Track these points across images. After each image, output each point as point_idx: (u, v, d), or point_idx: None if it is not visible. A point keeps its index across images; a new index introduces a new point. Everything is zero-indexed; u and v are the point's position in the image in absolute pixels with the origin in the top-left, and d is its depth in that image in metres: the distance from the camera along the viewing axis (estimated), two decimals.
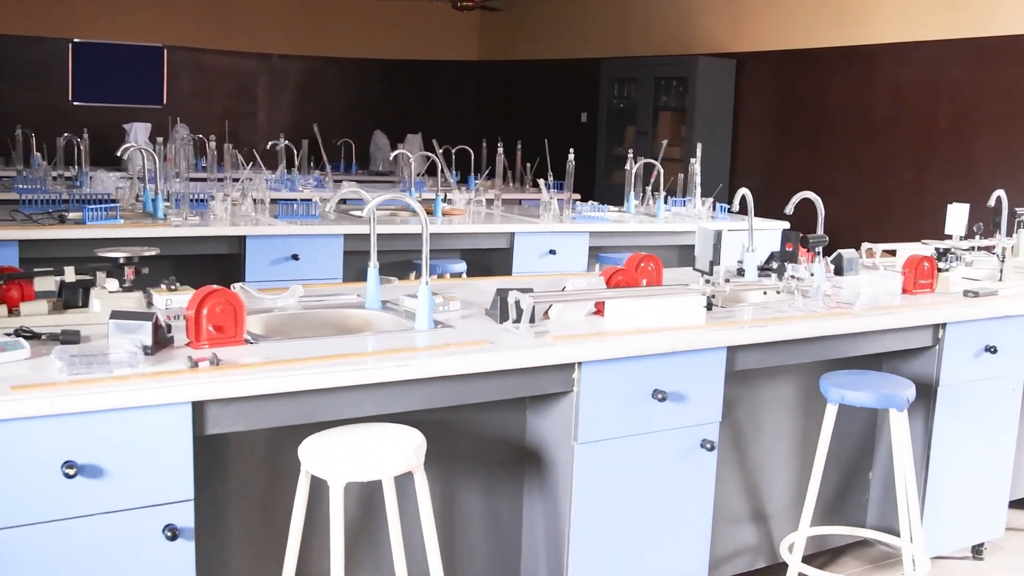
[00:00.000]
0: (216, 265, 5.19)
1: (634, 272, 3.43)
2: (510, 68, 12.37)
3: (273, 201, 5.68)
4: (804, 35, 8.78)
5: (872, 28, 8.19)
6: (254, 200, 5.50)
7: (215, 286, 2.53)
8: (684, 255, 6.72)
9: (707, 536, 3.13)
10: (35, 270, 2.66)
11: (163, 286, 2.80)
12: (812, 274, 3.65)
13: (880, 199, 8.25)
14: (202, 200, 5.30)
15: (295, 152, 7.70)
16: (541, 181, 6.27)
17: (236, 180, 5.63)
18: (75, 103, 10.31)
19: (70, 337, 2.46)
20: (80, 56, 10.30)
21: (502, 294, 2.97)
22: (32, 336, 2.47)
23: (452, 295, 3.20)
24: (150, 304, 2.78)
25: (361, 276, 5.95)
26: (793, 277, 3.55)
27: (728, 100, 9.44)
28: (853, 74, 8.39)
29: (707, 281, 3.29)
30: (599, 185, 10.17)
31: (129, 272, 2.73)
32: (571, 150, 6.47)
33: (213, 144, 5.96)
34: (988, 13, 7.34)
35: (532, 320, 2.88)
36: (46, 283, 2.65)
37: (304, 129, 8.55)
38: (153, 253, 2.78)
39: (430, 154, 6.71)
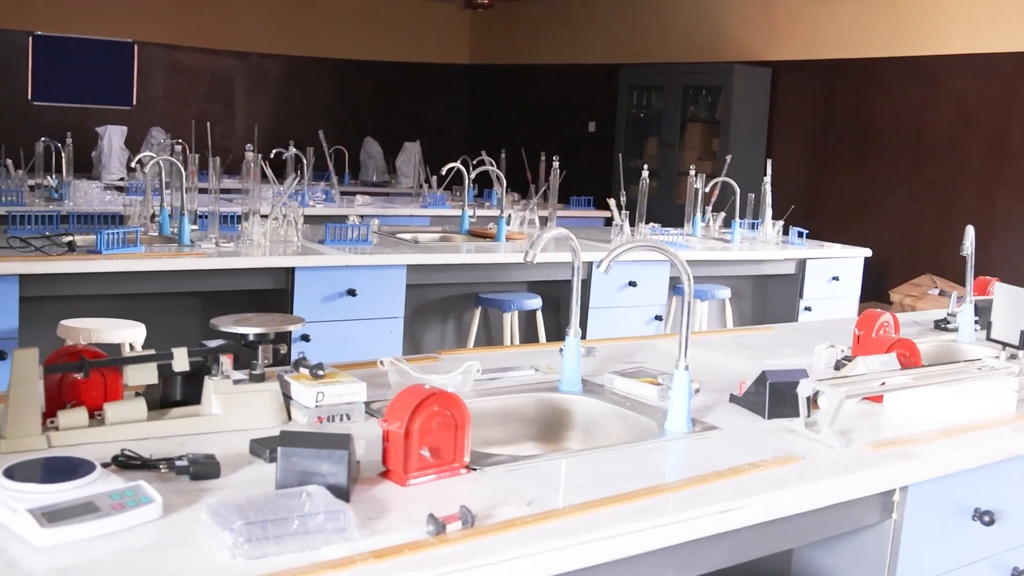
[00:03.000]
0: (254, 302, 4.25)
1: (876, 337, 2.61)
2: (506, 72, 11.50)
3: (316, 221, 4.75)
4: (851, 44, 8.08)
5: (934, 38, 7.52)
6: (284, 217, 4.54)
7: (424, 386, 1.64)
8: (763, 287, 5.93)
9: None
10: (128, 354, 1.73)
11: (302, 370, 1.89)
12: None
13: (939, 225, 7.56)
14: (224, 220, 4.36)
15: (304, 162, 6.75)
16: (612, 201, 5.42)
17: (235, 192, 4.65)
18: (35, 103, 9.19)
19: (205, 470, 1.55)
20: (41, 51, 9.17)
21: (772, 378, 2.12)
22: (139, 464, 1.56)
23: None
24: (288, 397, 1.87)
25: (425, 315, 5.13)
26: None
27: (762, 112, 8.71)
28: (910, 87, 7.71)
29: (1012, 357, 2.46)
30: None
31: (263, 354, 1.82)
32: (645, 167, 5.64)
33: (209, 154, 5.00)
34: None
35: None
36: (143, 373, 1.73)
37: (286, 135, 7.57)
38: (298, 326, 1.87)
39: (456, 165, 5.81)
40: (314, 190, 6.97)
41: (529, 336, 4.92)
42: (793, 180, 8.64)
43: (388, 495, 1.55)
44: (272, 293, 4.10)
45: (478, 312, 4.74)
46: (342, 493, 1.47)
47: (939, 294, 7.35)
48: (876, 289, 7.33)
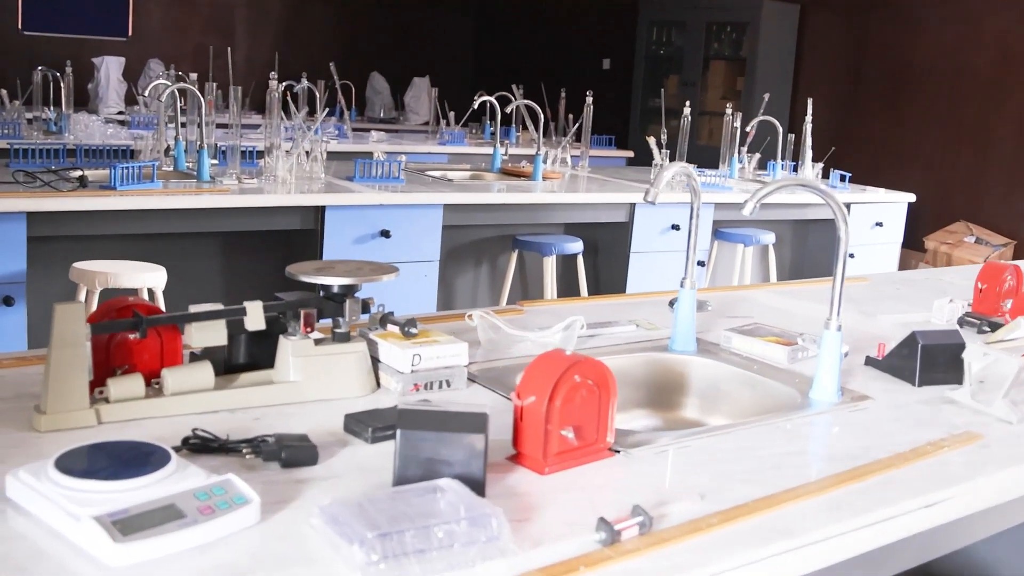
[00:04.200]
0: (278, 245, 3.92)
1: (1000, 292, 2.32)
2: (516, 6, 11.04)
3: (330, 157, 4.39)
4: None
5: None
6: (306, 153, 4.18)
7: (564, 351, 1.33)
8: (803, 233, 5.62)
9: None
10: (191, 310, 1.41)
11: (391, 328, 1.58)
12: None
13: (975, 171, 7.24)
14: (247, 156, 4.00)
15: (317, 96, 6.36)
16: (651, 139, 5.08)
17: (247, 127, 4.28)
18: (25, 32, 8.71)
19: (299, 455, 1.24)
20: None
21: (924, 340, 1.82)
22: (216, 447, 1.25)
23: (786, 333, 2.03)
24: (376, 360, 1.56)
25: (458, 259, 4.79)
26: None
27: (789, 51, 8.32)
28: (948, 27, 7.33)
29: None
30: (633, 140, 9.00)
31: (350, 310, 1.50)
32: (687, 105, 5.30)
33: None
34: None
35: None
36: (209, 333, 1.41)
37: (288, 70, 7.13)
38: (392, 276, 1.55)
39: (489, 98, 5.43)
40: (325, 126, 6.59)
41: (568, 282, 4.62)
42: (821, 122, 8.25)
43: (526, 487, 1.25)
44: (298, 235, 3.77)
45: (515, 255, 4.43)
46: (478, 487, 1.17)
47: (975, 241, 7.07)
48: (909, 236, 7.02)
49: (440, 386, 1.56)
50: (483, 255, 4.56)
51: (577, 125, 5.40)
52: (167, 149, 3.98)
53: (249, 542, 1.04)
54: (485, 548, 1.03)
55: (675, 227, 4.70)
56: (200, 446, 1.24)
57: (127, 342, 1.38)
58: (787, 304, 2.45)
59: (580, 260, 4.48)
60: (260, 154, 4.13)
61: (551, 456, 1.29)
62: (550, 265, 4.35)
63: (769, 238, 5.10)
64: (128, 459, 1.11)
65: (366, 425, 1.34)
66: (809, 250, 5.69)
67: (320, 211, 3.68)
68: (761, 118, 5.56)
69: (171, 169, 3.92)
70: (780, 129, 5.50)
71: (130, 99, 7.46)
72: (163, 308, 3.24)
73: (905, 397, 1.76)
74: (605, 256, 4.71)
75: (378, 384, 1.55)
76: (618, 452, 1.37)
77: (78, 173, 3.43)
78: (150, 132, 5.51)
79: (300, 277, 1.49)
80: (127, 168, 3.35)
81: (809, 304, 2.45)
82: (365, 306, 1.52)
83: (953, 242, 7.03)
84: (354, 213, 3.75)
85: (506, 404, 1.54)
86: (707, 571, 1.07)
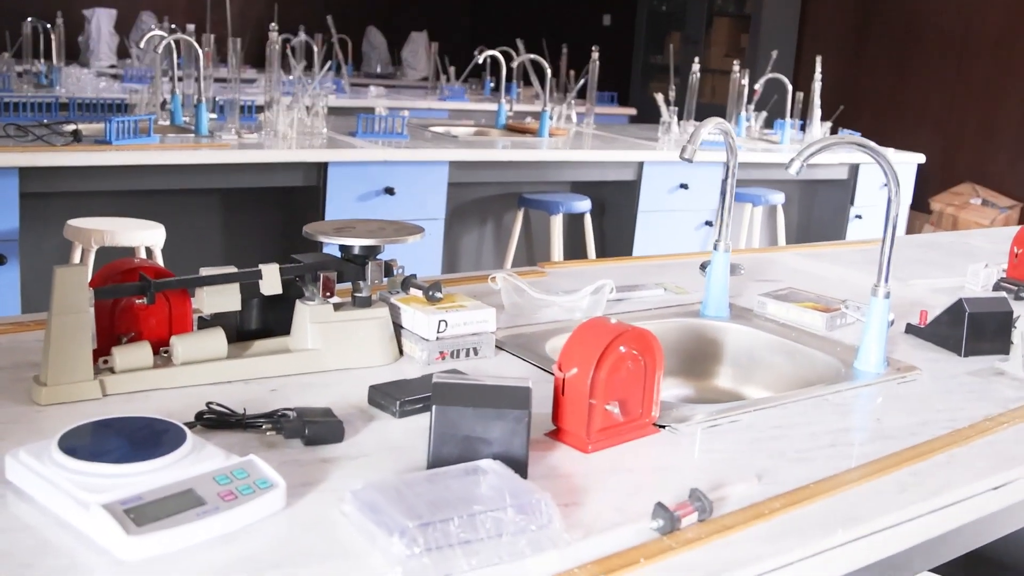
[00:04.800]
0: (278, 202, 3.81)
1: None
2: None
3: (329, 113, 4.25)
4: None
5: None
6: (307, 108, 4.04)
7: (609, 320, 1.23)
8: (811, 193, 5.51)
9: None
10: (202, 272, 1.30)
11: (413, 291, 1.47)
12: None
13: (982, 132, 7.13)
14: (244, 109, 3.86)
15: (314, 50, 6.20)
16: (659, 96, 4.95)
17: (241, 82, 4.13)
18: None
19: (325, 432, 1.14)
20: None
21: (972, 307, 1.73)
22: (233, 422, 1.15)
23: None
24: (399, 327, 1.46)
25: (462, 218, 4.63)
26: None
27: (794, 8, 8.16)
28: None
29: None
30: (634, 97, 8.85)
31: (373, 273, 1.40)
32: (696, 61, 5.16)
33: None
34: None
35: None
36: (222, 297, 1.31)
37: (282, 24, 6.92)
38: (418, 237, 1.45)
39: (494, 53, 5.27)
40: (323, 81, 6.44)
41: (574, 242, 4.51)
42: (826, 80, 8.13)
43: (569, 467, 1.15)
44: (299, 192, 3.65)
45: (520, 214, 4.32)
46: (520, 468, 1.07)
47: (981, 203, 6.98)
48: (915, 197, 6.93)
49: (467, 354, 1.46)
50: (487, 214, 4.45)
51: (583, 81, 5.26)
52: (163, 103, 3.84)
53: (275, 531, 0.94)
54: (536, 537, 0.94)
55: (683, 186, 4.59)
56: (216, 421, 1.14)
57: (133, 308, 1.28)
58: (816, 267, 2.35)
59: (587, 219, 4.37)
60: (259, 108, 4.00)
61: (594, 433, 1.19)
62: (557, 224, 4.25)
63: (778, 198, 5.00)
64: (139, 438, 1.01)
65: (393, 398, 1.24)
66: (817, 210, 5.59)
67: (323, 167, 3.56)
68: (770, 75, 5.42)
69: (168, 124, 3.79)
70: (789, 87, 5.36)
71: (122, 52, 7.28)
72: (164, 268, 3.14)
73: (952, 368, 1.67)
74: (612, 215, 4.60)
75: (401, 352, 1.46)
76: (663, 428, 1.28)
77: (72, 127, 3.30)
78: (144, 86, 5.37)
79: (319, 238, 1.38)
80: (123, 122, 3.22)
81: (839, 268, 2.35)
82: (388, 269, 1.42)
83: (959, 204, 6.94)
84: (357, 170, 3.63)
85: (538, 374, 1.44)
86: (774, 563, 0.98)
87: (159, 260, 3.14)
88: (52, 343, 1.18)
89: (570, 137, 4.79)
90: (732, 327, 1.81)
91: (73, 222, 3.08)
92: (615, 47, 9.16)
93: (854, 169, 5.31)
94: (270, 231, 3.81)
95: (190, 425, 1.09)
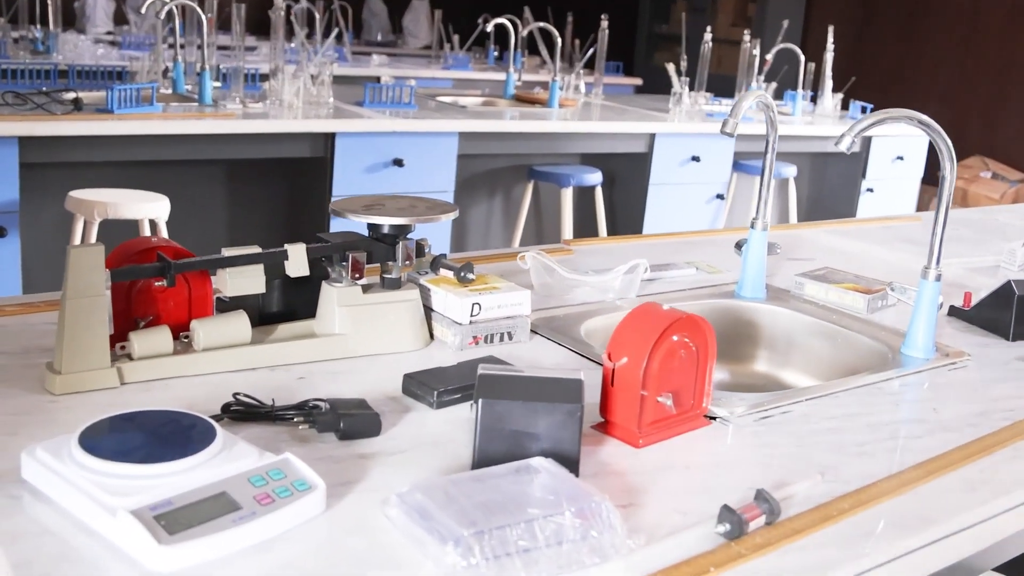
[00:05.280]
0: (283, 173, 3.72)
1: None
2: None
3: (334, 81, 4.15)
4: None
5: None
6: (312, 78, 3.94)
7: (662, 306, 1.15)
8: (821, 166, 5.42)
9: None
10: (224, 253, 1.23)
11: (443, 272, 1.40)
12: None
13: (992, 105, 7.03)
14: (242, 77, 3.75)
15: (316, 17, 6.08)
16: (671, 67, 4.85)
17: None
18: None
19: (361, 426, 1.07)
20: None
21: (1020, 288, 1.66)
22: (263, 414, 1.08)
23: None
24: (429, 309, 1.39)
25: (470, 190, 4.55)
26: None
27: None
28: None
29: None
30: (639, 67, 8.73)
31: (403, 253, 1.32)
32: (708, 29, 5.05)
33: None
34: None
35: None
36: (246, 280, 1.23)
37: None
38: (452, 215, 1.37)
39: (502, 20, 5.16)
40: (325, 49, 6.31)
41: (584, 216, 4.43)
42: (834, 51, 8.02)
43: (621, 463, 1.08)
44: (305, 163, 3.57)
45: (530, 187, 4.23)
46: (571, 465, 1.00)
47: (991, 177, 6.89)
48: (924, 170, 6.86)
49: (502, 338, 1.38)
50: (496, 186, 4.36)
51: (592, 50, 5.15)
52: (165, 71, 3.74)
53: (316, 537, 0.87)
54: (598, 544, 0.87)
55: (695, 159, 4.51)
56: (243, 413, 1.07)
57: (151, 290, 1.20)
58: (847, 245, 2.28)
59: (598, 192, 4.29)
60: (263, 77, 3.90)
61: (645, 426, 1.12)
62: (568, 197, 4.16)
63: (791, 171, 4.91)
64: (165, 434, 0.94)
65: (430, 388, 1.17)
66: (827, 184, 5.50)
67: (330, 138, 3.47)
68: (781, 46, 5.32)
69: (170, 92, 3.69)
70: (801, 57, 5.26)
71: (119, 19, 7.14)
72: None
73: (1001, 353, 1.60)
74: (621, 188, 4.52)
75: (432, 337, 1.38)
76: (713, 419, 1.21)
77: (72, 95, 3.21)
78: (144, 53, 5.26)
79: (347, 215, 1.30)
80: (125, 91, 3.13)
81: (868, 245, 2.28)
82: (420, 249, 1.34)
83: (968, 177, 6.85)
84: (365, 141, 3.54)
85: (576, 360, 1.37)
86: (852, 569, 0.91)
87: (164, 233, 3.06)
88: (67, 328, 1.10)
89: (579, 108, 4.69)
90: (769, 308, 1.74)
91: (75, 193, 2.99)
92: (620, 16, 9.00)
93: (866, 141, 5.23)
94: (275, 203, 3.73)
95: (216, 418, 1.01)
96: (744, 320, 1.73)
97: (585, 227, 4.44)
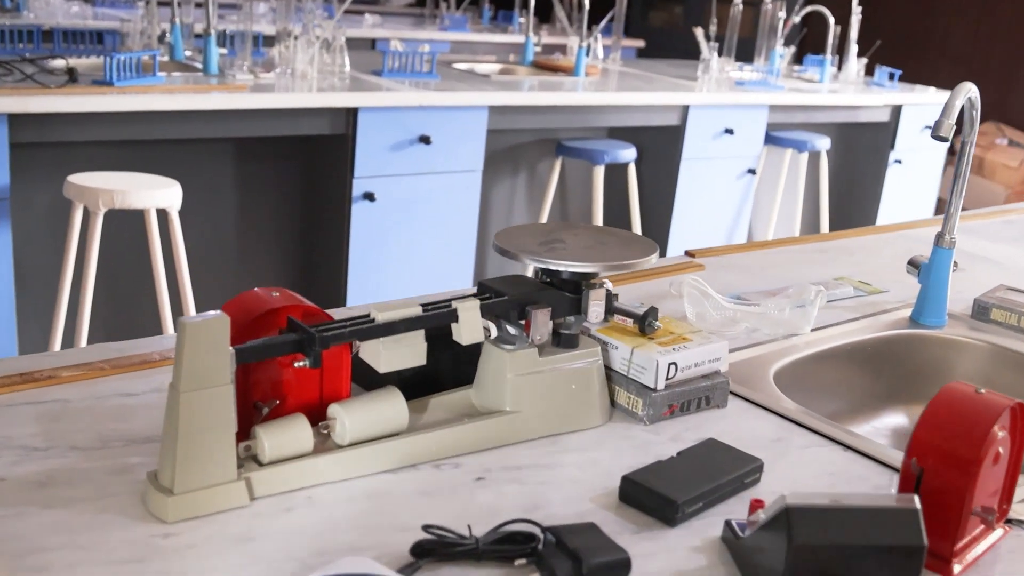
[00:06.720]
0: (298, 150, 3.37)
1: None
2: None
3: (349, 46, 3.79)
4: None
5: None
6: (327, 43, 3.58)
7: (959, 381, 0.87)
8: (846, 136, 5.15)
9: None
10: (375, 316, 0.91)
11: (618, 319, 1.10)
12: None
13: (1007, 68, 6.81)
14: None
15: None
16: (699, 31, 4.53)
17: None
18: None
19: (604, 573, 0.77)
20: None
21: None
22: (465, 552, 0.77)
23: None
24: (610, 370, 1.09)
25: (493, 168, 4.10)
26: None
27: None
28: None
29: None
30: (635, 28, 8.39)
31: (593, 304, 1.02)
32: None
33: None
34: None
35: None
36: (405, 351, 0.92)
37: None
38: (652, 258, 1.06)
39: None
40: (314, 6, 5.91)
41: (614, 195, 4.13)
42: (840, 9, 7.74)
43: None
44: (323, 140, 3.23)
45: (558, 164, 3.92)
46: None
47: (1008, 144, 6.68)
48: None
49: (698, 405, 1.09)
50: (520, 163, 4.04)
51: (612, 12, 4.82)
52: (162, 35, 3.36)
53: None
54: None
55: (728, 131, 4.22)
56: (441, 551, 0.77)
57: (279, 367, 0.89)
58: (979, 246, 2.00)
59: (632, 169, 3.98)
60: (268, 41, 3.54)
61: (960, 548, 0.84)
62: (599, 176, 3.85)
63: (824, 143, 4.63)
64: None
65: (666, 499, 0.87)
66: (853, 156, 5.24)
67: (352, 113, 3.13)
68: (810, 8, 5.02)
69: (167, 59, 3.32)
70: (831, 19, 4.97)
71: None
72: (180, 232, 2.71)
73: None
74: (649, 164, 4.22)
75: (612, 404, 1.09)
76: (1013, 522, 0.93)
77: (61, 62, 2.84)
78: (120, 12, 4.84)
79: (524, 259, 0.99)
80: (125, 59, 2.76)
81: (1001, 246, 2.01)
82: (609, 298, 1.03)
83: (985, 145, 6.64)
84: (389, 116, 3.20)
85: (790, 430, 1.08)
86: None
87: (177, 226, 2.72)
88: (181, 431, 0.79)
89: (604, 76, 4.37)
90: (959, 339, 1.46)
91: (74, 179, 2.63)
92: None
93: (896, 111, 4.96)
94: (290, 186, 3.39)
95: (412, 568, 0.71)
96: (929, 355, 1.46)
97: (614, 208, 4.14)
